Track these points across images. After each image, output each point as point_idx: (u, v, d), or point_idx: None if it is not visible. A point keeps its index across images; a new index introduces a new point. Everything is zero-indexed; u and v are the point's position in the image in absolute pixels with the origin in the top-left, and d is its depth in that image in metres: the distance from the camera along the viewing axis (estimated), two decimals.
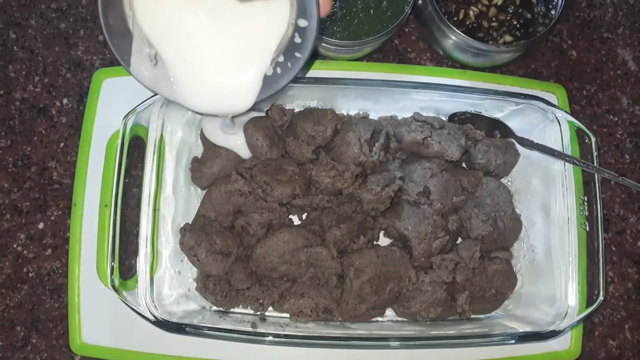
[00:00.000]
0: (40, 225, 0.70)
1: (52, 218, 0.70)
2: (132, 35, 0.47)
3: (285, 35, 0.47)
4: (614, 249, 0.73)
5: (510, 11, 0.70)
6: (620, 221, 0.74)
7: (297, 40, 0.47)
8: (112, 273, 0.58)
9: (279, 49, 0.48)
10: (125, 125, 0.60)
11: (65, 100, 0.73)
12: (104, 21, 0.44)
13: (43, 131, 0.72)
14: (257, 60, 0.48)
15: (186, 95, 0.49)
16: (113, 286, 0.58)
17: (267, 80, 0.49)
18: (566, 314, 0.61)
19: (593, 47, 0.79)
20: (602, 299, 0.60)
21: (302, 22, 0.46)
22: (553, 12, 0.69)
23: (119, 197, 0.60)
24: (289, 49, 0.47)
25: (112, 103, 0.69)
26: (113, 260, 0.58)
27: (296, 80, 0.50)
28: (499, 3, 0.70)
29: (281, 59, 0.48)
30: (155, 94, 0.61)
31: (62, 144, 0.72)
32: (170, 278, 0.64)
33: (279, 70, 0.49)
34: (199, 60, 0.48)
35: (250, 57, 0.48)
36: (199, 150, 0.69)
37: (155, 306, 0.60)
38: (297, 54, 0.48)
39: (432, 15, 0.69)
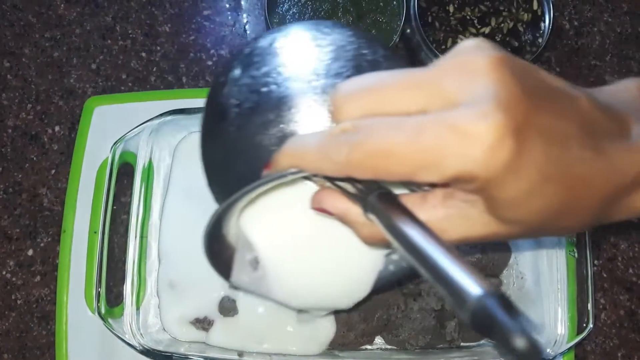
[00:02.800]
0: (30, 252, 0.70)
1: (42, 245, 0.70)
2: (233, 249, 0.44)
3: None
4: (605, 275, 0.73)
5: (498, 39, 0.70)
6: (611, 248, 0.74)
7: None
8: (98, 300, 0.58)
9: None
10: (114, 152, 0.61)
11: (57, 128, 0.74)
12: (210, 254, 0.40)
13: (34, 158, 0.73)
14: (372, 258, 0.45)
15: (292, 294, 0.46)
16: (99, 313, 0.58)
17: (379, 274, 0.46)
18: (555, 341, 0.60)
19: (581, 74, 0.79)
20: (591, 327, 0.60)
21: None
22: (540, 40, 0.70)
23: (106, 224, 0.60)
24: None
25: (103, 130, 0.69)
26: (100, 287, 0.58)
27: None
28: (487, 32, 0.70)
29: (394, 256, 0.45)
30: (145, 122, 0.62)
31: (53, 171, 0.72)
32: (155, 306, 0.63)
33: (391, 267, 0.46)
34: (312, 260, 0.45)
35: (364, 254, 0.44)
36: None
37: (141, 334, 0.59)
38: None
39: (420, 44, 0.70)
